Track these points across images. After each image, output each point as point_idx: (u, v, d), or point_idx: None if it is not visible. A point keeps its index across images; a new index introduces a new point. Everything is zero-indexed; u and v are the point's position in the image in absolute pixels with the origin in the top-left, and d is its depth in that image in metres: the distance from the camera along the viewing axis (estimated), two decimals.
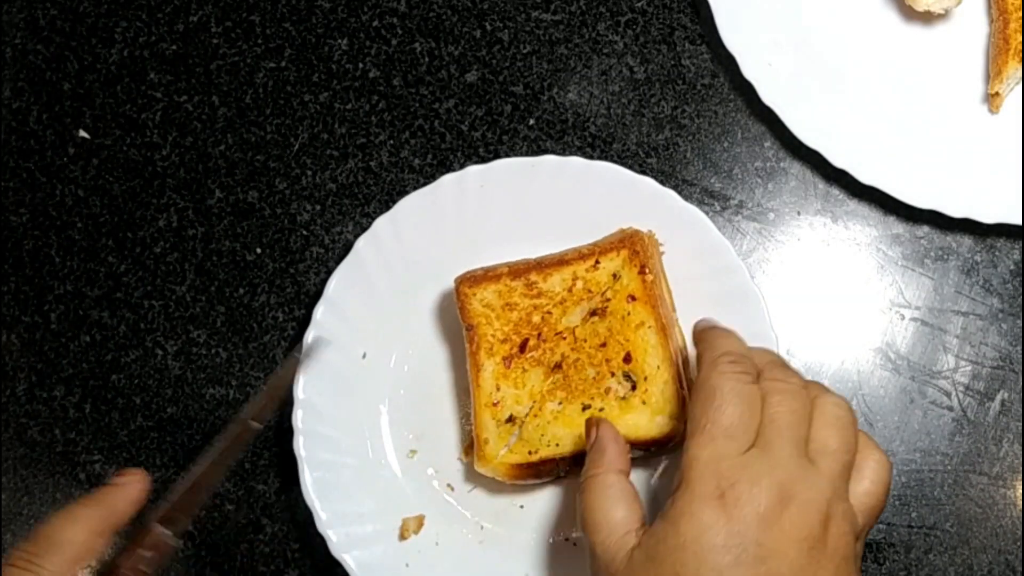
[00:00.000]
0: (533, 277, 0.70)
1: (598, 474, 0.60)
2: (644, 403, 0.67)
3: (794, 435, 0.56)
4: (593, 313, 0.68)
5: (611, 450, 0.61)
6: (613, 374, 0.68)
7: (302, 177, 0.79)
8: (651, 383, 0.67)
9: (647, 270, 0.68)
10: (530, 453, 0.67)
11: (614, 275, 0.69)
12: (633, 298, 0.68)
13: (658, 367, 0.67)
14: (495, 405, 0.68)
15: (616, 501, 0.59)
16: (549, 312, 0.69)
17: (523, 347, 0.68)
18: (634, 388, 0.67)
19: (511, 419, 0.68)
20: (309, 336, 0.71)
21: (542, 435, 0.68)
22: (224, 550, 0.75)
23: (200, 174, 0.80)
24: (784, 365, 0.61)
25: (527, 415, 0.68)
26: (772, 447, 0.56)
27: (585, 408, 0.67)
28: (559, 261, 0.70)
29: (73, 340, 0.78)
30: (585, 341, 0.68)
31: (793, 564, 0.53)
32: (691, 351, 0.65)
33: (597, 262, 0.69)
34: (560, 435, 0.68)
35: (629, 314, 0.68)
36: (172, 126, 0.80)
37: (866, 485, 0.58)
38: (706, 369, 0.58)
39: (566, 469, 0.69)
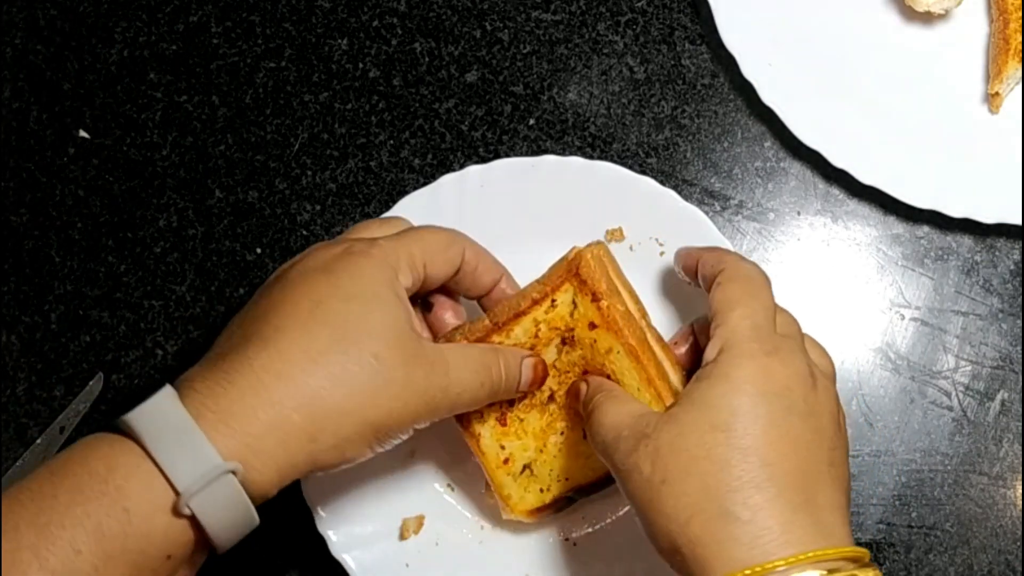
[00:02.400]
0: (496, 338, 0.65)
1: (604, 391, 0.61)
2: None
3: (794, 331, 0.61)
4: (563, 342, 0.65)
5: (608, 382, 0.63)
6: None
7: (302, 177, 0.79)
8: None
9: (599, 297, 0.64)
10: (542, 491, 0.66)
11: (573, 302, 0.65)
12: (594, 325, 0.64)
13: (638, 389, 0.63)
14: (505, 463, 0.66)
15: (630, 400, 0.60)
16: None
17: (512, 401, 0.66)
18: None
19: (526, 468, 0.66)
20: None
21: (551, 471, 0.66)
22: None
23: (200, 174, 0.80)
24: None
25: (537, 452, 0.66)
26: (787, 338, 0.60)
27: (585, 436, 0.64)
28: (516, 314, 0.65)
29: (73, 340, 0.78)
30: (567, 372, 0.66)
31: (827, 430, 0.57)
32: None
33: (553, 302, 0.65)
34: (568, 468, 0.66)
35: (596, 341, 0.64)
36: (172, 126, 0.80)
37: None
38: (733, 260, 0.61)
39: (584, 496, 0.68)
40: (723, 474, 0.53)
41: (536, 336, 0.65)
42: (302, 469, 0.56)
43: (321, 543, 0.71)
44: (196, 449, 0.53)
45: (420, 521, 0.72)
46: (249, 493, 0.54)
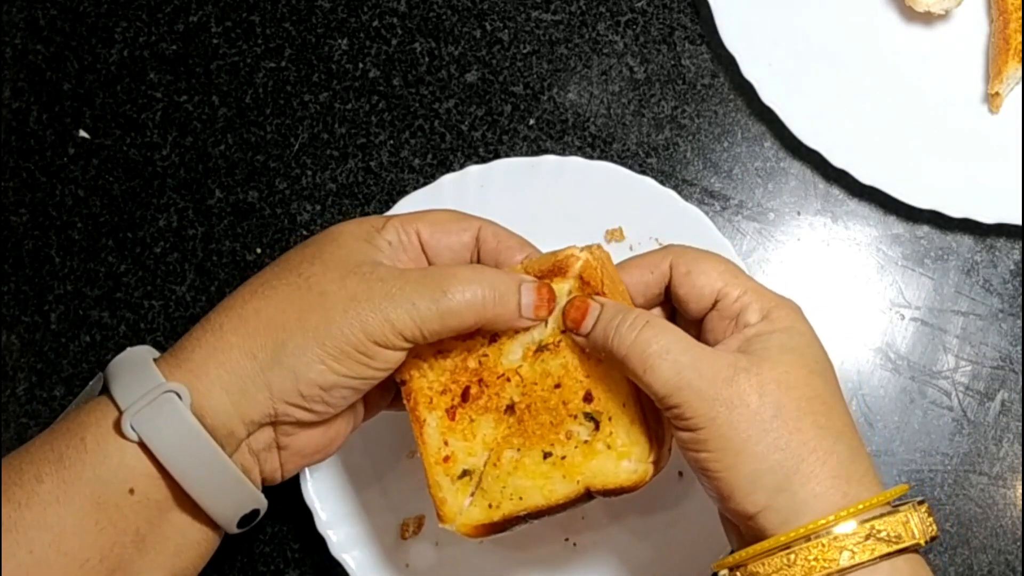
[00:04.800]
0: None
1: (640, 313, 0.57)
2: (609, 447, 0.59)
3: None
4: (542, 349, 0.61)
5: (609, 304, 0.58)
6: (575, 416, 0.60)
7: (302, 177, 0.79)
8: (616, 423, 0.59)
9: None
10: (491, 507, 0.60)
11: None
12: None
13: (624, 404, 0.59)
14: (446, 460, 0.61)
15: (675, 327, 0.57)
16: (485, 355, 0.61)
17: (465, 396, 0.61)
18: (597, 428, 0.59)
19: (465, 473, 0.61)
20: None
21: (503, 487, 0.60)
22: (224, 550, 0.75)
23: (200, 174, 0.80)
24: None
25: (484, 464, 0.61)
26: None
27: (546, 456, 0.60)
28: None
29: (73, 340, 0.78)
30: (535, 384, 0.60)
31: None
32: None
33: None
34: (523, 487, 0.60)
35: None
36: (172, 126, 0.80)
37: None
38: (669, 250, 0.61)
39: (535, 519, 0.63)
40: (832, 415, 0.55)
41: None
42: (256, 396, 0.56)
43: (321, 543, 0.71)
44: (143, 376, 0.56)
45: (420, 521, 0.72)
46: (204, 422, 0.55)
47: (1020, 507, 0.74)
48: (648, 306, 0.62)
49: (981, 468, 0.75)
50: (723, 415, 0.53)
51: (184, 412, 0.55)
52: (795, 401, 0.54)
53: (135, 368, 0.57)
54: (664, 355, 0.54)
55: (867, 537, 0.52)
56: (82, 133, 0.81)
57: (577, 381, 0.60)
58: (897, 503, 0.54)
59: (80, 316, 0.78)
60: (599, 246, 0.62)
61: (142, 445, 0.54)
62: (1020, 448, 0.75)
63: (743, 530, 0.55)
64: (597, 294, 0.60)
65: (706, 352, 0.55)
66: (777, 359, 0.55)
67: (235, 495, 0.57)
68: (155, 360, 0.57)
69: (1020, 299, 0.76)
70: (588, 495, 0.60)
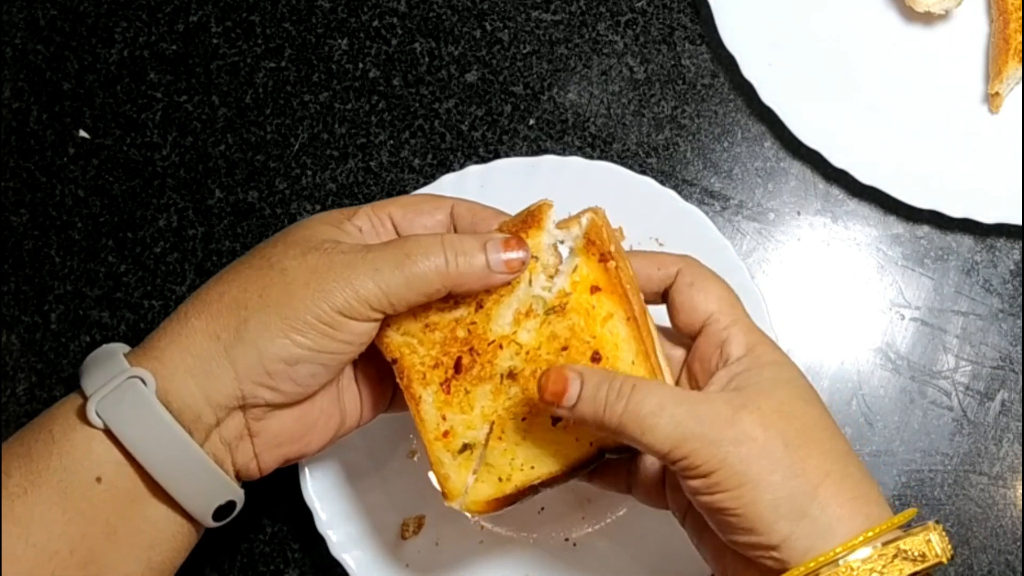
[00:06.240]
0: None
1: (617, 378, 0.55)
2: None
3: None
4: (551, 311, 0.59)
5: (588, 372, 0.56)
6: None
7: (302, 177, 0.79)
8: None
9: (608, 257, 0.59)
10: (501, 480, 0.59)
11: (574, 267, 0.59)
12: (597, 288, 0.59)
13: (632, 362, 0.58)
14: (445, 436, 0.60)
15: (658, 383, 0.56)
16: (473, 323, 0.60)
17: (458, 367, 0.60)
18: None
19: (466, 447, 0.60)
20: None
21: (512, 459, 0.59)
22: (224, 550, 0.75)
23: (200, 174, 0.80)
24: None
25: (486, 438, 0.60)
26: None
27: (556, 421, 0.59)
28: None
29: (73, 340, 0.78)
30: (539, 349, 0.59)
31: None
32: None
33: None
34: (534, 456, 0.59)
35: (595, 307, 0.59)
36: (172, 126, 0.80)
37: None
38: (680, 259, 0.61)
39: (547, 487, 0.61)
40: (836, 438, 0.55)
41: (487, 291, 0.60)
42: (222, 377, 0.56)
43: (321, 543, 0.71)
44: (109, 365, 0.56)
45: (420, 521, 0.72)
46: (170, 407, 0.55)
47: (1020, 507, 0.74)
48: (646, 301, 0.62)
49: (981, 468, 0.75)
50: (732, 453, 0.53)
51: (148, 396, 0.55)
52: (798, 430, 0.54)
53: (104, 360, 0.57)
54: (660, 412, 0.53)
55: (894, 557, 0.52)
56: (82, 133, 0.81)
57: (584, 342, 0.59)
58: (910, 524, 0.54)
59: (80, 316, 0.78)
60: (599, 208, 0.61)
61: (108, 432, 0.54)
62: (1020, 448, 0.75)
63: (765, 566, 0.54)
64: (604, 256, 0.59)
65: (700, 398, 0.54)
66: (771, 392, 0.55)
67: (204, 482, 0.56)
68: (125, 354, 0.57)
69: (1020, 299, 0.76)
70: (600, 454, 0.59)
